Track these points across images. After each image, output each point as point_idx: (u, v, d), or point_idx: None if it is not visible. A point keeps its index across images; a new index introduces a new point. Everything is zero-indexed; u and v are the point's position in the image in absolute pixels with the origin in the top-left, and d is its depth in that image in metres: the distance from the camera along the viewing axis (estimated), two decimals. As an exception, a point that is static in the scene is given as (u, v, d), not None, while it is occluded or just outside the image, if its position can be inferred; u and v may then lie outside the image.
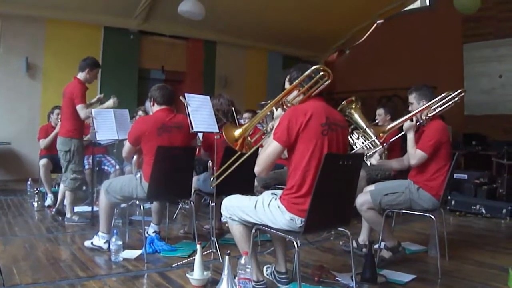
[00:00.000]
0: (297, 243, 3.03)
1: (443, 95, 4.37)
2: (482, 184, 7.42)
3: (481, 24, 10.87)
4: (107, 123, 5.90)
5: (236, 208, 3.36)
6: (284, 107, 3.32)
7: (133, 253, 4.46)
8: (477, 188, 7.37)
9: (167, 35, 11.36)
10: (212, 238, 4.57)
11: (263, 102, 3.49)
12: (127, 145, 4.65)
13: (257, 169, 3.14)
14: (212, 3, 9.63)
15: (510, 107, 10.70)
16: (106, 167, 7.35)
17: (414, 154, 4.19)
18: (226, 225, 3.81)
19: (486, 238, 5.56)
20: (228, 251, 3.16)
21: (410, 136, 4.28)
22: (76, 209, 6.42)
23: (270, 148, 3.10)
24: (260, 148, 3.45)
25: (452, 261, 4.38)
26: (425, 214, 4.16)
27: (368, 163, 4.54)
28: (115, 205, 4.73)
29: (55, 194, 6.39)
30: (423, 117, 4.28)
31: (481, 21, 10.78)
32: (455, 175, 7.12)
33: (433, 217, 4.05)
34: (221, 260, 4.23)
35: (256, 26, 11.58)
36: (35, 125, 8.34)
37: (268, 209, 3.17)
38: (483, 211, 6.77)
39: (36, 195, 6.81)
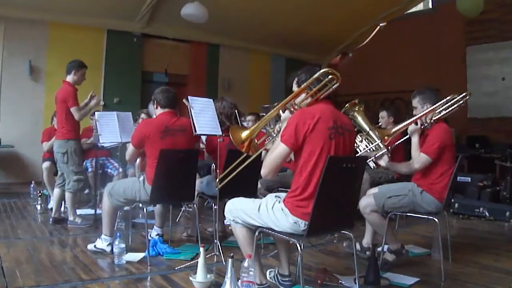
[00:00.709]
0: (300, 246, 3.02)
1: (448, 98, 4.35)
2: (485, 187, 7.41)
3: (484, 27, 10.85)
4: (110, 126, 5.92)
5: (240, 211, 3.36)
6: (292, 109, 3.31)
7: (136, 256, 4.46)
8: (481, 191, 7.36)
9: (170, 38, 11.37)
10: (215, 241, 4.56)
11: (266, 105, 3.50)
12: (130, 148, 4.66)
13: (263, 171, 3.14)
14: (215, 6, 9.64)
15: (513, 109, 10.68)
16: (109, 170, 7.36)
17: (418, 158, 4.18)
18: (230, 228, 3.81)
19: (490, 241, 5.55)
20: (232, 254, 3.15)
21: (415, 140, 4.27)
22: (79, 212, 6.43)
23: (277, 151, 3.09)
24: (264, 151, 3.45)
25: (456, 264, 4.37)
26: (428, 217, 4.15)
27: (372, 165, 4.53)
28: (118, 208, 4.73)
29: (54, 200, 6.37)
30: (428, 120, 4.28)
31: (484, 24, 10.76)
32: (459, 178, 7.14)
33: (436, 220, 4.05)
34: (224, 263, 4.23)
35: (259, 29, 11.58)
36: (38, 128, 8.34)
37: (272, 212, 3.17)
38: (487, 214, 6.75)
39: (39, 198, 6.82)
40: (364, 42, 13.33)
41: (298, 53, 13.30)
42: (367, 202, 4.26)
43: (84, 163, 7.17)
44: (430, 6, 12.72)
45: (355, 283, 3.42)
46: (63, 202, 6.28)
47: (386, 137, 4.61)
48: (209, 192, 4.97)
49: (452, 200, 6.97)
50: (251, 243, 3.36)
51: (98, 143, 6.19)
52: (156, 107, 4.73)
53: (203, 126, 4.50)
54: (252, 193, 4.75)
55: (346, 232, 3.38)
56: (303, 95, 3.32)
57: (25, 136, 9.04)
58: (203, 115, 4.57)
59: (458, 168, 4.22)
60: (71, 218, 5.87)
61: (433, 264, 4.42)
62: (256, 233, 3.32)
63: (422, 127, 4.30)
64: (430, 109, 4.27)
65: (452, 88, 4.53)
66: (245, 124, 6.53)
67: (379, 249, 4.25)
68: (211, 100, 4.83)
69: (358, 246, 4.53)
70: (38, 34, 9.51)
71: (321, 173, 2.98)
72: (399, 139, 4.99)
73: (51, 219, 5.99)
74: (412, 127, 4.33)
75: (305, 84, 3.25)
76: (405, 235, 5.54)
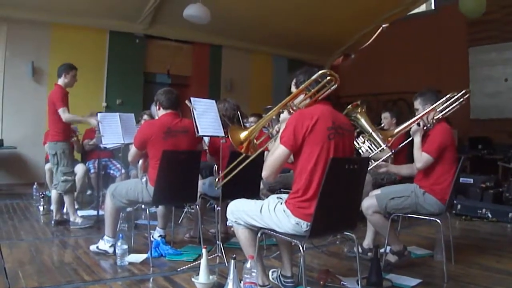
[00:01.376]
0: (302, 247, 3.02)
1: (447, 96, 4.37)
2: (488, 188, 7.39)
3: (486, 28, 10.83)
4: (113, 127, 5.92)
5: (242, 212, 3.36)
6: (291, 110, 3.32)
7: (138, 257, 4.45)
8: (483, 192, 7.35)
9: (172, 39, 11.38)
10: (217, 242, 4.56)
11: (268, 106, 3.50)
12: (133, 149, 4.66)
13: (264, 173, 3.15)
14: (218, 7, 9.64)
15: (516, 110, 10.68)
16: (112, 171, 7.36)
17: (420, 157, 4.18)
18: (232, 229, 3.81)
19: (492, 242, 5.54)
20: (234, 255, 3.16)
21: (417, 140, 4.27)
22: (82, 213, 6.44)
23: (277, 153, 3.10)
24: (266, 152, 3.45)
25: (458, 266, 4.37)
26: (431, 218, 4.14)
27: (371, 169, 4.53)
28: (120, 209, 4.73)
29: (52, 202, 6.37)
30: (430, 121, 4.28)
31: (486, 25, 10.74)
32: (461, 179, 7.12)
33: (439, 221, 4.04)
34: (226, 264, 4.22)
35: (262, 30, 11.60)
36: (40, 129, 8.34)
37: (274, 213, 3.17)
38: (489, 215, 6.74)
39: (41, 199, 6.81)
40: (367, 43, 13.33)
41: (300, 54, 13.29)
42: (369, 203, 4.25)
43: (87, 164, 7.19)
44: (433, 7, 12.71)
45: (358, 284, 3.43)
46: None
47: (389, 138, 4.61)
48: (212, 193, 4.98)
49: (455, 201, 6.97)
50: (254, 244, 3.36)
51: (101, 144, 6.20)
52: (159, 108, 4.73)
53: (206, 127, 4.51)
54: (254, 194, 4.75)
55: (349, 233, 3.38)
56: (301, 96, 3.33)
57: (28, 137, 9.06)
58: (206, 116, 4.57)
59: (461, 169, 4.22)
60: (71, 218, 5.87)
61: (435, 266, 4.41)
62: (259, 235, 3.32)
63: (425, 128, 4.29)
64: (430, 108, 4.27)
65: (455, 90, 4.51)
66: (247, 125, 6.53)
67: (382, 250, 4.25)
68: (214, 101, 4.83)
69: (359, 248, 4.52)
70: (41, 35, 9.52)
71: (322, 174, 2.98)
72: (402, 141, 4.98)
73: (53, 222, 6.00)
74: (414, 128, 4.33)
75: (303, 85, 3.26)
76: (408, 236, 5.53)
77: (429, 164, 4.14)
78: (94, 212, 6.34)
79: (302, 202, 3.07)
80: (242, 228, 3.40)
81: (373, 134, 4.66)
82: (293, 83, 3.43)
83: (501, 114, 10.80)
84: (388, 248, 4.30)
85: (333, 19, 11.58)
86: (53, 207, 6.09)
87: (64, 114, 5.66)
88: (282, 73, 13.16)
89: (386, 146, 4.60)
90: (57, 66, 5.82)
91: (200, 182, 5.07)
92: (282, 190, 5.44)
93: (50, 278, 3.84)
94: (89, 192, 8.03)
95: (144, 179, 4.51)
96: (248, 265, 3.04)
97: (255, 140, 3.40)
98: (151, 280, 3.96)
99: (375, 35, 13.00)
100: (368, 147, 4.65)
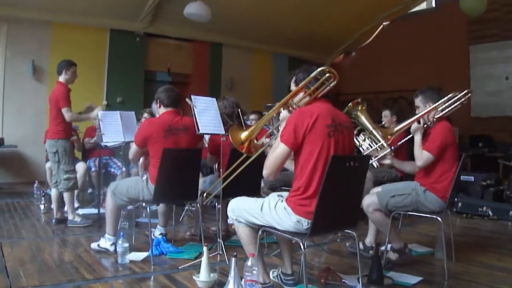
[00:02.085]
0: (303, 245, 3.02)
1: (449, 95, 4.35)
2: (488, 186, 7.40)
3: (487, 26, 10.83)
4: (113, 126, 5.92)
5: (243, 210, 3.36)
6: (290, 108, 3.32)
7: (139, 255, 4.46)
8: (484, 190, 7.35)
9: (173, 38, 11.40)
10: (218, 240, 4.57)
11: (269, 104, 3.50)
12: (133, 147, 4.66)
13: (265, 172, 3.15)
14: (218, 6, 9.65)
15: (517, 108, 10.68)
16: (112, 169, 7.37)
17: (421, 156, 4.17)
18: (233, 227, 3.81)
19: (493, 240, 5.54)
20: (235, 253, 3.16)
21: (418, 138, 4.27)
22: (83, 211, 6.45)
23: (277, 151, 3.09)
24: (266, 151, 3.45)
25: (459, 263, 4.36)
26: (432, 216, 4.14)
27: (375, 164, 4.53)
28: (121, 207, 4.73)
29: (52, 200, 6.36)
30: (430, 119, 4.27)
31: (487, 23, 10.74)
32: (462, 177, 7.12)
33: (440, 219, 4.04)
34: (227, 262, 4.23)
35: (262, 28, 11.60)
36: (41, 128, 8.33)
37: (275, 211, 3.17)
38: (490, 213, 6.73)
39: (42, 198, 6.81)
40: (367, 41, 13.34)
41: (301, 52, 13.31)
42: (370, 200, 4.25)
43: (88, 163, 7.19)
44: (433, 5, 12.72)
45: (359, 282, 3.43)
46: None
47: (389, 136, 4.61)
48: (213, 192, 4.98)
49: (456, 199, 6.96)
50: (254, 242, 3.36)
51: (101, 143, 6.20)
52: (159, 106, 4.73)
53: (206, 125, 4.50)
54: (255, 192, 4.75)
55: (350, 231, 3.38)
56: (301, 94, 3.33)
57: (28, 136, 9.08)
58: (206, 114, 4.57)
59: (461, 167, 4.21)
60: (70, 217, 5.85)
61: (436, 263, 4.41)
62: (259, 232, 3.32)
63: (425, 126, 4.29)
64: (432, 107, 4.26)
65: (455, 88, 4.50)
66: (248, 123, 6.53)
67: (383, 248, 4.25)
68: (214, 99, 4.83)
69: (361, 245, 4.53)
70: (41, 34, 9.54)
71: (323, 172, 2.99)
72: (402, 138, 4.98)
73: (54, 220, 6.00)
74: (414, 126, 4.33)
75: (302, 83, 3.26)
76: (409, 234, 5.53)
77: (430, 162, 4.14)
78: (95, 210, 6.33)
79: (302, 199, 3.07)
80: (243, 226, 3.40)
81: (374, 132, 4.65)
82: (292, 81, 3.43)
83: (502, 112, 10.81)
84: (389, 245, 4.30)
85: (334, 17, 11.59)
86: (53, 205, 6.09)
87: (67, 114, 5.64)
88: (282, 71, 13.17)
89: (386, 144, 4.58)
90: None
91: (201, 180, 5.07)
92: (282, 188, 5.44)
93: (51, 277, 3.84)
94: (90, 190, 8.03)
95: (144, 177, 4.51)
96: (249, 263, 3.04)
97: (255, 140, 3.40)
98: (152, 278, 3.96)
99: (376, 33, 13.01)
100: (369, 144, 4.64)
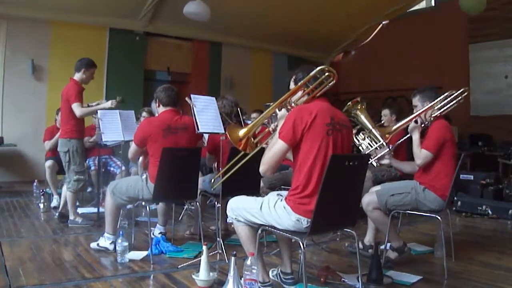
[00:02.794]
0: (303, 244, 3.02)
1: (446, 94, 4.35)
2: (488, 185, 7.40)
3: (486, 25, 10.82)
4: (113, 125, 5.92)
5: (242, 209, 3.37)
6: (289, 107, 3.32)
7: (139, 254, 4.46)
8: (483, 189, 7.35)
9: (172, 37, 11.39)
10: (218, 239, 4.57)
11: (269, 103, 3.49)
12: (133, 146, 4.66)
13: (262, 168, 3.15)
14: (218, 5, 9.64)
15: (516, 107, 10.67)
16: (112, 168, 7.37)
17: (420, 154, 4.18)
18: (232, 226, 3.81)
19: (493, 239, 5.55)
20: (234, 252, 3.16)
21: (416, 137, 4.28)
22: (82, 210, 6.45)
23: (275, 148, 3.10)
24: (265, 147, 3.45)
25: (458, 262, 4.37)
26: (431, 215, 4.15)
27: (375, 163, 4.53)
28: (121, 206, 4.73)
29: (61, 196, 6.38)
30: (428, 118, 4.28)
31: (487, 22, 10.73)
32: (461, 176, 7.13)
33: (439, 218, 4.04)
34: (227, 261, 4.23)
35: (262, 27, 11.59)
36: (41, 127, 8.35)
37: (274, 210, 3.17)
38: (490, 212, 6.74)
39: (42, 197, 6.82)
40: (367, 40, 13.32)
41: (300, 51, 13.30)
42: (369, 199, 4.25)
43: (87, 162, 7.17)
44: (433, 4, 12.70)
45: (358, 281, 3.43)
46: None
47: (387, 135, 4.61)
48: (212, 190, 4.98)
49: (455, 198, 6.97)
50: (254, 241, 3.36)
51: (101, 141, 6.20)
52: (158, 105, 4.73)
53: (206, 124, 4.51)
54: (254, 191, 4.76)
55: (349, 230, 3.39)
56: (299, 93, 3.34)
57: (28, 135, 9.06)
58: (206, 113, 4.57)
59: (461, 166, 4.21)
60: (71, 217, 5.84)
61: (436, 262, 4.42)
62: (259, 231, 3.32)
63: (423, 125, 4.30)
64: (428, 106, 4.27)
65: (455, 86, 4.50)
66: (248, 122, 6.53)
67: (382, 247, 4.26)
68: (214, 98, 4.83)
69: (360, 245, 4.53)
70: (41, 33, 9.52)
71: (321, 170, 3.00)
72: (401, 138, 4.99)
73: (57, 214, 6.01)
74: (412, 125, 4.34)
75: (302, 82, 3.27)
76: (408, 233, 5.54)
77: (429, 160, 4.14)
78: (94, 210, 6.34)
79: (302, 198, 3.07)
80: (242, 225, 3.41)
81: (373, 131, 4.66)
82: (292, 80, 3.43)
83: (501, 111, 10.80)
84: (388, 244, 4.31)
85: (333, 16, 11.59)
86: (61, 200, 6.09)
87: (77, 109, 5.57)
88: (282, 70, 13.15)
89: (385, 143, 4.59)
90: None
91: (200, 179, 5.07)
92: (282, 187, 5.44)
93: (50, 276, 3.85)
94: (89, 189, 8.03)
95: (144, 176, 4.51)
96: (248, 262, 3.04)
97: (252, 139, 3.40)
98: (151, 277, 3.96)
99: (375, 32, 12.99)
100: (368, 143, 4.64)
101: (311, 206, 2.99)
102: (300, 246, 3.03)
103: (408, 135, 4.46)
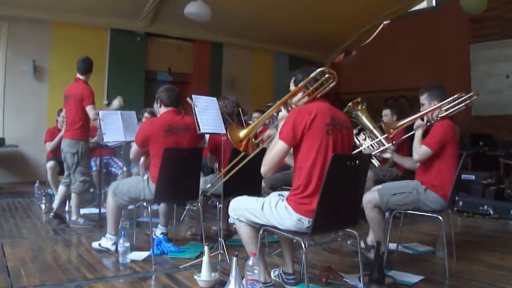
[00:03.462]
0: (304, 244, 3.03)
1: (455, 96, 4.33)
2: (489, 185, 7.39)
3: (488, 24, 10.82)
4: (114, 125, 5.92)
5: (243, 209, 3.37)
6: (289, 108, 3.33)
7: (140, 255, 4.46)
8: (485, 189, 7.34)
9: (173, 37, 11.40)
10: (219, 239, 4.57)
11: (270, 104, 3.50)
12: (134, 147, 4.66)
13: (263, 169, 3.15)
14: (219, 5, 9.64)
15: (517, 107, 10.66)
16: (113, 169, 7.38)
17: (419, 150, 4.18)
18: (234, 226, 3.81)
19: (494, 239, 5.54)
20: (236, 253, 3.16)
21: (418, 133, 4.28)
22: (84, 211, 6.45)
23: (276, 148, 3.10)
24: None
25: (460, 262, 4.37)
26: (433, 215, 4.14)
27: (376, 163, 4.53)
28: (122, 207, 4.72)
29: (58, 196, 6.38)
30: (434, 117, 4.28)
31: (488, 21, 10.73)
32: (463, 176, 7.11)
33: (440, 218, 4.04)
34: (228, 262, 4.23)
35: (263, 27, 11.59)
36: (42, 128, 8.35)
37: (275, 210, 3.18)
38: (491, 211, 6.74)
39: (43, 198, 6.82)
40: (368, 40, 13.31)
41: (301, 51, 13.31)
42: (370, 197, 4.26)
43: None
44: (434, 4, 12.70)
45: (360, 281, 3.43)
46: (67, 202, 6.31)
47: (391, 130, 4.59)
48: (213, 190, 4.98)
49: (456, 198, 6.97)
50: (255, 241, 3.37)
51: (102, 142, 6.20)
52: (160, 106, 4.73)
53: (207, 125, 4.51)
54: (256, 191, 4.75)
55: (350, 230, 3.39)
56: (300, 94, 3.34)
57: (29, 135, 9.07)
58: (207, 114, 4.58)
59: (462, 166, 4.21)
60: (73, 218, 5.85)
61: (437, 262, 4.41)
62: (260, 232, 3.32)
63: (428, 123, 4.30)
64: (436, 106, 4.26)
65: (456, 86, 4.52)
66: (250, 122, 6.53)
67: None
68: (215, 98, 4.83)
69: (362, 244, 4.52)
70: (42, 34, 9.54)
71: (322, 170, 3.02)
72: (403, 135, 4.98)
73: (52, 213, 6.01)
74: (418, 122, 4.34)
75: (302, 83, 3.27)
76: (410, 233, 5.54)
77: (428, 157, 4.14)
78: (96, 210, 6.34)
79: (303, 198, 3.08)
80: (244, 225, 3.41)
81: (374, 131, 4.66)
82: (292, 81, 3.44)
83: (503, 111, 10.79)
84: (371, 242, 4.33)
85: (334, 16, 11.59)
86: (57, 200, 6.09)
87: (92, 112, 5.65)
88: (283, 70, 13.17)
89: (386, 141, 4.59)
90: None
91: (202, 179, 5.07)
92: (283, 187, 5.44)
93: (52, 276, 3.84)
94: (91, 190, 8.03)
95: (145, 177, 4.51)
96: (250, 262, 3.05)
97: (253, 139, 3.40)
98: (153, 277, 3.96)
99: (376, 32, 12.98)
100: (370, 144, 4.64)
101: (312, 206, 2.99)
102: (302, 246, 3.03)
103: (411, 133, 4.45)
